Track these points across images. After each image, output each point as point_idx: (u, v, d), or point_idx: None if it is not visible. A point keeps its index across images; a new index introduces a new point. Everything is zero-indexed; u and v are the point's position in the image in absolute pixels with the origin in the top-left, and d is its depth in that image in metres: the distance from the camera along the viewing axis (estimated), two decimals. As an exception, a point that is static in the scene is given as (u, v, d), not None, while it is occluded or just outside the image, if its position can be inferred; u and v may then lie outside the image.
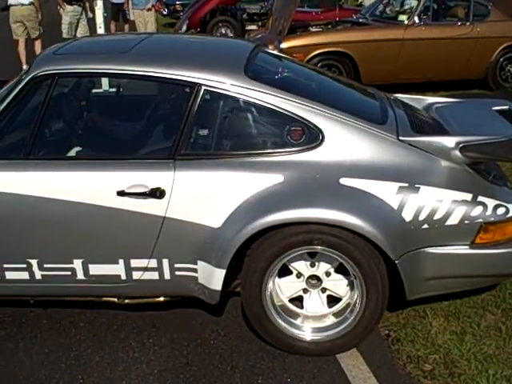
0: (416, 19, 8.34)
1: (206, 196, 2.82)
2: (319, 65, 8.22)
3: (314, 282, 3.01)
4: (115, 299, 3.11)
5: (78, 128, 3.44)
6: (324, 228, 2.73)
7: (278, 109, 2.90)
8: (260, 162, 2.86)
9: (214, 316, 3.26)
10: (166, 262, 2.91)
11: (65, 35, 9.78)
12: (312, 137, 2.88)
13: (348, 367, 2.91)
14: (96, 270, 2.96)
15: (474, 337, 3.09)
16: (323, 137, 2.87)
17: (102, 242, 2.92)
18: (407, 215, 2.77)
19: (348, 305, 2.97)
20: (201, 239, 2.83)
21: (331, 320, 3.00)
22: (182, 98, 2.99)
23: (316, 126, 2.87)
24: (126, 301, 3.12)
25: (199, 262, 2.87)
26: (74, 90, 3.37)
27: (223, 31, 13.22)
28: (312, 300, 3.03)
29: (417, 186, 2.79)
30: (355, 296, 2.91)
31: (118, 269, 2.95)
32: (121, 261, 2.93)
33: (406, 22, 8.41)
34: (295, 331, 2.97)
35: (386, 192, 2.78)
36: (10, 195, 2.85)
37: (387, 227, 2.73)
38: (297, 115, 2.89)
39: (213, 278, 2.83)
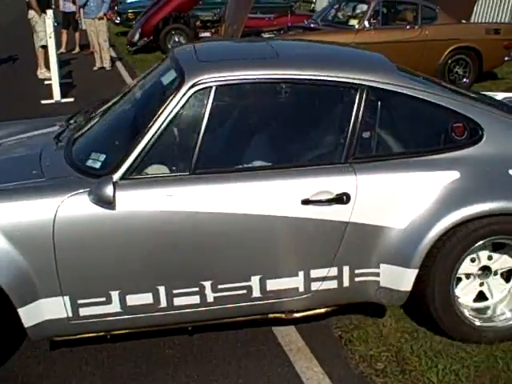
0: (366, 23, 8.51)
1: (389, 198, 2.82)
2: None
3: (483, 272, 3.08)
4: (283, 315, 3.01)
5: (243, 137, 3.14)
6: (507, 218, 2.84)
7: (439, 106, 2.98)
8: (434, 160, 2.92)
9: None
10: (346, 269, 2.87)
11: (44, 43, 9.70)
12: (473, 132, 2.99)
13: (302, 369, 2.93)
14: (274, 285, 2.85)
15: (425, 335, 3.15)
16: (482, 131, 2.99)
17: (284, 254, 2.83)
18: None
19: None
20: (385, 242, 2.83)
21: None
22: (347, 101, 2.93)
23: (475, 122, 2.99)
24: (296, 315, 3.01)
25: (382, 265, 2.87)
26: (232, 99, 3.04)
27: (176, 39, 13.17)
28: (492, 286, 3.12)
29: None
30: None
31: (296, 281, 2.86)
32: (301, 273, 2.85)
33: (356, 26, 8.58)
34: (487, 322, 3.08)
35: None
36: (180, 213, 2.67)
37: None
38: (456, 112, 2.99)
39: (403, 279, 2.84)
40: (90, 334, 2.88)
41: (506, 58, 9.32)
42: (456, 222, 2.77)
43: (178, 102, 2.73)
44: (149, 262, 2.72)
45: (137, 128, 2.86)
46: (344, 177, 2.79)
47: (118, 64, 12.62)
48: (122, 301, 2.75)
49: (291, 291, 2.88)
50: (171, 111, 2.72)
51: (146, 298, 2.77)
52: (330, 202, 2.76)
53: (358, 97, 2.89)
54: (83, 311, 2.74)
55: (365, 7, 8.79)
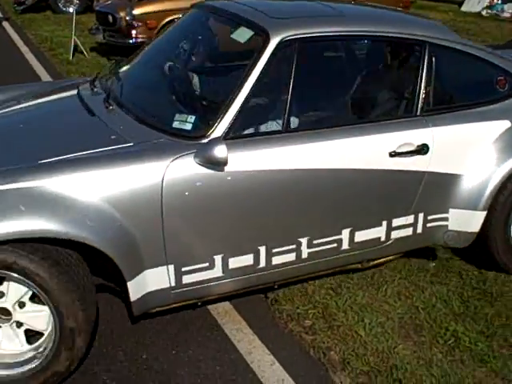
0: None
1: (458, 147, 3.05)
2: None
3: None
4: (359, 265, 3.17)
5: (325, 94, 3.14)
6: None
7: (487, 62, 3.21)
8: (489, 111, 3.16)
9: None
10: (421, 216, 3.08)
11: None
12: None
13: (232, 332, 2.91)
14: (361, 236, 2.98)
15: (348, 290, 3.22)
16: None
17: (371, 206, 2.96)
18: None
19: None
20: (456, 188, 3.07)
21: None
22: (417, 56, 3.05)
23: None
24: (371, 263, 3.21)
25: (451, 210, 3.11)
26: (314, 55, 3.10)
27: (69, -3, 12.54)
28: None
29: None
30: None
31: (380, 231, 3.02)
32: (384, 222, 3.01)
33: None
34: None
35: None
36: (281, 172, 2.66)
37: None
38: (499, 66, 3.24)
39: (472, 221, 3.12)
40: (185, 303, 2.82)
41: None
42: None
43: (267, 59, 2.67)
44: (252, 222, 2.71)
45: (224, 87, 2.82)
46: (422, 129, 2.97)
47: (6, 24, 11.86)
48: (225, 264, 2.73)
49: (374, 241, 3.05)
50: (261, 69, 2.65)
51: (247, 260, 2.77)
52: (411, 153, 2.93)
53: (426, 53, 3.04)
54: (186, 279, 2.68)
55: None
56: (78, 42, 8.86)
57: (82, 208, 2.34)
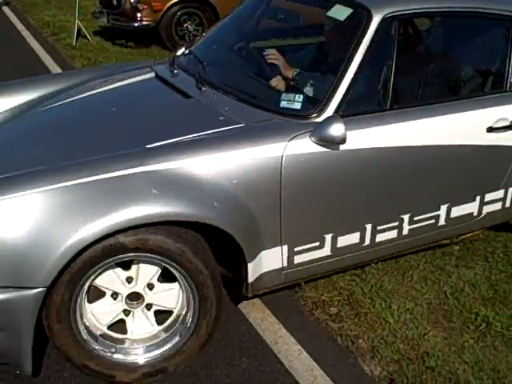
0: None
1: None
2: (179, 13, 7.93)
3: None
4: (448, 240, 3.25)
5: (424, 71, 3.10)
6: None
7: None
8: None
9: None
10: (510, 190, 3.13)
11: None
12: None
13: (256, 321, 2.85)
14: (457, 211, 3.02)
15: (373, 276, 3.14)
16: None
17: (468, 181, 3.02)
18: None
19: None
20: None
21: None
22: (503, 33, 3.08)
23: None
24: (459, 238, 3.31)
25: None
26: (414, 32, 3.15)
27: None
28: None
29: None
30: None
31: (473, 206, 3.07)
32: (477, 197, 3.06)
33: None
34: None
35: None
36: (389, 149, 2.68)
37: None
38: None
39: None
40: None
41: None
42: None
43: (372, 36, 2.65)
44: (362, 200, 2.74)
45: (326, 65, 2.89)
46: None
47: (6, 9, 11.72)
48: (333, 243, 2.75)
49: (467, 216, 3.09)
50: (366, 47, 2.64)
51: (354, 238, 2.79)
52: (506, 128, 2.96)
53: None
54: (297, 259, 2.69)
55: None
56: (82, 26, 8.73)
57: (209, 190, 2.34)
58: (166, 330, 2.54)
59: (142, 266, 2.41)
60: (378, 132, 2.65)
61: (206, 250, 2.44)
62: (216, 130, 2.50)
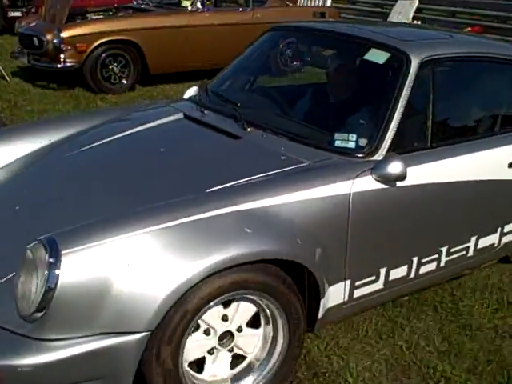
0: (199, 5, 8.28)
1: None
2: (104, 55, 7.75)
3: None
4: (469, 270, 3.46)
5: (458, 111, 3.32)
6: None
7: None
8: None
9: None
10: None
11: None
12: None
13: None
14: (482, 243, 3.20)
15: (327, 332, 3.06)
16: None
17: (493, 214, 3.23)
18: None
19: None
20: None
21: None
22: None
23: None
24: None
25: None
26: (448, 74, 3.25)
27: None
28: None
29: None
30: None
31: (495, 237, 3.27)
32: (499, 229, 3.26)
33: (189, 7, 8.28)
34: None
35: None
36: (433, 185, 2.84)
37: None
38: None
39: None
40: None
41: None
42: None
43: (412, 79, 2.83)
44: (411, 234, 2.86)
45: (375, 106, 2.97)
46: None
47: None
48: (386, 277, 2.84)
49: (490, 247, 3.29)
50: (408, 88, 2.81)
51: (402, 271, 2.90)
52: None
53: None
54: (356, 293, 2.77)
55: (197, -12, 8.52)
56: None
57: (292, 228, 2.40)
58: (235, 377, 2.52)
59: (240, 304, 2.40)
60: (424, 169, 2.80)
61: (292, 285, 2.46)
62: (283, 170, 2.60)
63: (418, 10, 12.96)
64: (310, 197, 2.45)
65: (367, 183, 2.59)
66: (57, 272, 1.96)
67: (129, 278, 2.05)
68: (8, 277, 2.22)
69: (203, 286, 2.15)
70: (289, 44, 4.09)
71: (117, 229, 2.10)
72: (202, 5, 8.29)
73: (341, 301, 2.71)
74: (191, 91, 3.65)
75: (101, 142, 3.12)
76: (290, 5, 9.62)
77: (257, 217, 2.32)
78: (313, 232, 2.45)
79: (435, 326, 3.16)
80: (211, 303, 2.23)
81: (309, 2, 10.69)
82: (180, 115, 3.32)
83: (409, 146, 2.85)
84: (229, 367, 2.49)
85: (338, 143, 2.77)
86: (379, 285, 2.83)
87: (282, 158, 2.71)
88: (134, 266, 2.06)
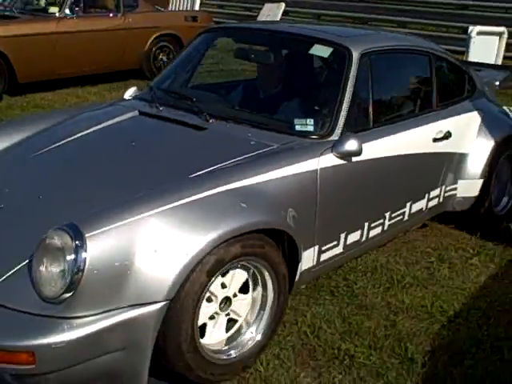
0: (67, 11, 8.01)
1: (465, 131, 4.05)
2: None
3: None
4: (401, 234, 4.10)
5: (390, 95, 3.81)
6: None
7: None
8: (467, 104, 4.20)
9: None
10: (443, 188, 4.01)
11: None
12: None
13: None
14: (414, 207, 3.77)
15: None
16: None
17: (423, 182, 3.87)
18: None
19: None
20: (463, 163, 4.07)
21: None
22: (425, 65, 3.96)
23: None
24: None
25: (459, 181, 4.07)
26: (381, 64, 3.61)
27: None
28: None
29: None
30: None
31: (423, 203, 3.87)
32: (426, 195, 3.88)
33: (57, 14, 8.01)
34: None
35: None
36: (380, 159, 3.33)
37: None
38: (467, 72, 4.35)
39: (474, 188, 4.09)
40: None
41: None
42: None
43: (355, 68, 3.26)
44: (365, 202, 3.31)
45: (326, 94, 3.42)
46: (444, 120, 3.84)
47: None
48: (345, 241, 3.26)
49: (419, 211, 3.82)
50: (352, 77, 3.24)
51: (356, 235, 3.34)
52: (442, 139, 3.78)
53: (433, 62, 3.99)
54: (322, 257, 3.14)
55: (63, -6, 8.24)
56: None
57: (277, 201, 2.76)
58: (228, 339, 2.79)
59: (235, 272, 2.69)
60: (370, 146, 3.20)
61: (280, 251, 2.81)
62: (256, 153, 2.93)
63: (285, 12, 13.39)
64: (286, 174, 2.82)
65: (330, 160, 3.00)
66: (83, 255, 2.17)
67: (146, 254, 2.30)
68: (17, 267, 2.37)
69: (212, 256, 2.43)
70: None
71: (130, 211, 2.34)
72: (70, 11, 8.04)
73: (311, 264, 3.07)
74: (131, 91, 3.88)
75: (65, 141, 3.26)
76: (162, 9, 9.59)
77: (248, 193, 2.66)
78: (291, 204, 2.81)
79: (334, 309, 3.32)
80: (218, 272, 2.50)
81: (178, 7, 10.72)
82: (135, 112, 3.52)
83: (355, 126, 3.23)
84: (225, 330, 2.76)
85: (298, 127, 3.15)
86: (339, 249, 3.25)
87: (252, 142, 3.03)
88: (150, 242, 2.32)
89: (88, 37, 8.17)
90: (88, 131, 3.35)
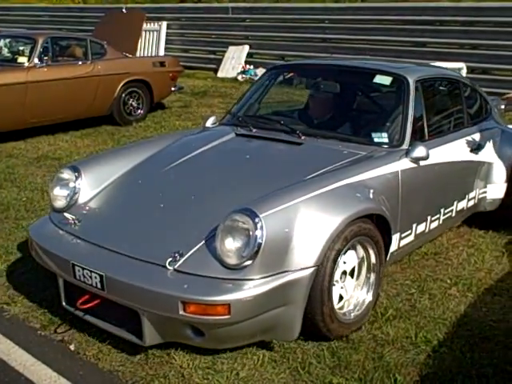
0: (37, 61, 8.06)
1: (491, 143, 4.89)
2: None
3: None
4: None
5: (438, 112, 4.70)
6: None
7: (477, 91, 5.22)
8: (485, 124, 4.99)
9: None
10: (477, 191, 4.85)
11: None
12: None
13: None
14: (459, 206, 4.59)
15: (226, 364, 3.16)
16: None
17: (466, 184, 4.70)
18: None
19: None
20: (491, 171, 4.93)
21: None
22: (456, 88, 4.90)
23: None
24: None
25: (488, 186, 4.86)
26: (428, 90, 4.48)
27: None
28: None
29: None
30: None
31: (464, 203, 4.68)
32: (466, 196, 4.68)
33: (26, 64, 8.04)
34: None
35: None
36: (438, 164, 4.20)
37: None
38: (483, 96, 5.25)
39: (499, 190, 4.90)
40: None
41: (173, 89, 9.89)
42: None
43: (413, 93, 4.07)
44: (429, 198, 4.11)
45: (393, 113, 4.20)
46: (475, 134, 4.70)
47: None
48: (415, 231, 4.03)
49: (462, 210, 4.62)
50: (412, 99, 4.05)
51: (423, 227, 4.11)
52: (476, 149, 4.62)
53: (462, 85, 4.98)
54: (402, 243, 3.90)
55: (31, 44, 8.30)
56: None
57: (377, 194, 3.52)
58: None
59: (350, 252, 3.42)
60: (433, 153, 3.96)
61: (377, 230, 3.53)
62: (351, 159, 3.72)
63: (249, 54, 13.65)
64: (378, 174, 3.60)
65: (406, 163, 3.80)
66: (262, 232, 2.87)
67: (302, 230, 3.02)
68: (196, 247, 3.06)
69: (346, 231, 3.18)
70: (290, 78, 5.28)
71: (288, 197, 3.10)
72: (39, 60, 8.10)
73: (394, 248, 3.82)
74: (211, 120, 4.61)
75: (185, 158, 3.93)
76: (130, 56, 9.72)
77: (358, 187, 3.44)
78: (384, 197, 3.56)
79: (323, 344, 3.36)
80: (345, 247, 3.24)
81: (145, 53, 10.86)
82: (232, 135, 4.23)
83: (415, 138, 3.99)
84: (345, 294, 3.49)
85: (376, 139, 3.97)
86: (412, 237, 4.00)
87: (344, 152, 3.81)
88: (303, 221, 3.04)
89: (58, 85, 8.24)
90: (199, 150, 4.04)
